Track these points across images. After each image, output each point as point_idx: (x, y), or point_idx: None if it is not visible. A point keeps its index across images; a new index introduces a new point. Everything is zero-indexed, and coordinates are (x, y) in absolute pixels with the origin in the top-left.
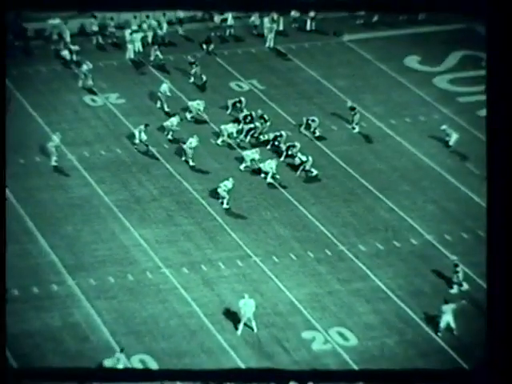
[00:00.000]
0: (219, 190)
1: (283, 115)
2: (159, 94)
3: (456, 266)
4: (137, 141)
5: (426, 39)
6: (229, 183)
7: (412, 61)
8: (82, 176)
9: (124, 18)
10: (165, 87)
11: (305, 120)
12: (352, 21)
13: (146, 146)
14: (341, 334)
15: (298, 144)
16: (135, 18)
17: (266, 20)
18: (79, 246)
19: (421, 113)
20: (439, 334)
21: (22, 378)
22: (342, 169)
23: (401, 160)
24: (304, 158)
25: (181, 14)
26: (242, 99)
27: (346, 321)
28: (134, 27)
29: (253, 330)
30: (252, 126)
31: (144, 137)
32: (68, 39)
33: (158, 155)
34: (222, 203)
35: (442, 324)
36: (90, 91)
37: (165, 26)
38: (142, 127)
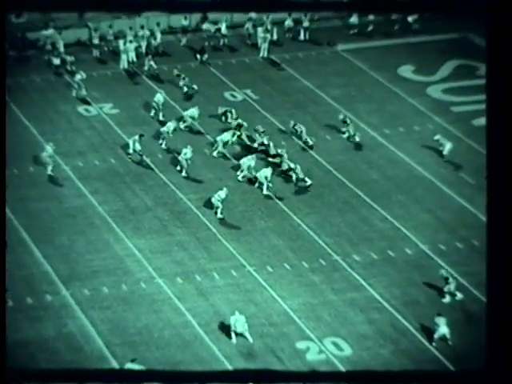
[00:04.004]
0: (213, 200)
1: (277, 125)
2: (154, 104)
3: (446, 279)
4: (131, 151)
5: (421, 49)
6: (222, 193)
7: (406, 70)
8: (76, 186)
9: (118, 27)
10: (159, 97)
11: (292, 123)
12: (346, 30)
13: (141, 155)
14: (335, 344)
15: (284, 153)
16: (131, 29)
17: (260, 30)
18: (73, 257)
19: (415, 122)
20: (434, 344)
21: (22, 379)
22: (336, 178)
23: (395, 170)
24: (292, 165)
25: (174, 23)
26: (233, 110)
27: (341, 331)
28: (130, 38)
29: (248, 340)
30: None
31: (138, 147)
32: (62, 49)
33: (152, 165)
34: (216, 213)
35: (437, 335)
36: (84, 101)
37: (158, 35)
38: (137, 137)
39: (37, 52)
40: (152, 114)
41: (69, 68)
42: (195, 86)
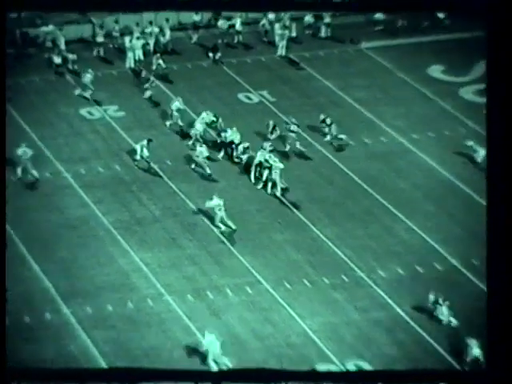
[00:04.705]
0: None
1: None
2: (171, 113)
3: (436, 302)
4: (138, 157)
5: (452, 47)
6: (217, 200)
7: (436, 70)
8: (77, 195)
9: (124, 23)
10: (177, 105)
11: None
12: (371, 27)
13: (148, 162)
14: (359, 367)
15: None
16: (138, 25)
17: (278, 26)
18: (75, 272)
19: (445, 127)
20: (465, 368)
21: (22, 379)
22: (359, 187)
23: (423, 178)
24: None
25: (185, 19)
26: (220, 120)
27: (365, 353)
28: (137, 34)
29: (227, 365)
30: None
31: (146, 153)
32: (63, 46)
33: (160, 172)
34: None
35: (469, 358)
36: (87, 103)
37: (168, 32)
38: (144, 142)
39: (36, 50)
40: (168, 124)
41: (70, 67)
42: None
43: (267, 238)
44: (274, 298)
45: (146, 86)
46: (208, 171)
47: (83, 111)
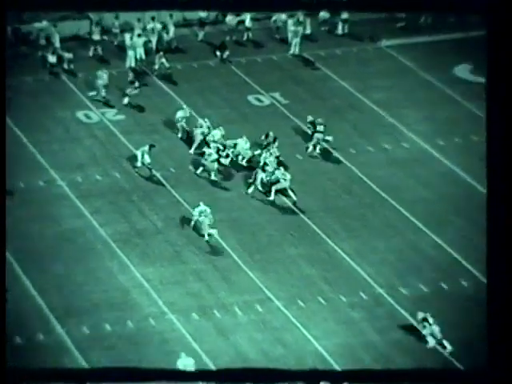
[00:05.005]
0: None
1: (310, 134)
2: (178, 124)
3: (424, 319)
4: (139, 164)
5: (480, 45)
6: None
7: (463, 70)
8: (74, 205)
9: (125, 18)
10: (181, 114)
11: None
12: (392, 23)
13: (150, 169)
14: None
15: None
16: (139, 21)
17: (291, 22)
18: (70, 288)
19: (473, 131)
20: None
21: (22, 379)
22: (379, 197)
23: (449, 187)
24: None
25: (190, 14)
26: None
27: None
28: (138, 31)
29: None
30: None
31: (147, 159)
32: (58, 44)
33: (163, 181)
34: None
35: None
36: (85, 105)
37: (171, 29)
38: (146, 148)
39: (28, 48)
40: (180, 135)
41: (66, 67)
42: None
43: (279, 251)
44: (287, 317)
45: (128, 90)
46: (213, 177)
47: (80, 114)
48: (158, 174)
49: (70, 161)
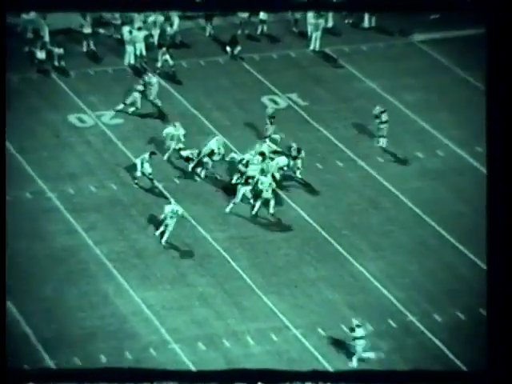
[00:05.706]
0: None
1: (332, 140)
2: (167, 143)
3: (352, 329)
4: (138, 174)
5: None
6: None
7: None
8: (65, 220)
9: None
10: (170, 130)
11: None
12: (424, 16)
13: (151, 180)
14: None
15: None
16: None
17: (310, 14)
18: (61, 314)
19: None
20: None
21: (22, 379)
22: (410, 212)
23: None
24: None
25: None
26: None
27: None
28: (138, 24)
29: None
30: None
31: (148, 169)
32: (47, 38)
33: (165, 193)
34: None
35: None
36: (80, 107)
37: (176, 21)
38: (146, 156)
39: (14, 42)
40: (166, 157)
41: (56, 63)
42: (159, 102)
43: (296, 273)
44: (305, 347)
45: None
46: (203, 175)
47: (72, 118)
48: (159, 186)
49: (61, 170)
